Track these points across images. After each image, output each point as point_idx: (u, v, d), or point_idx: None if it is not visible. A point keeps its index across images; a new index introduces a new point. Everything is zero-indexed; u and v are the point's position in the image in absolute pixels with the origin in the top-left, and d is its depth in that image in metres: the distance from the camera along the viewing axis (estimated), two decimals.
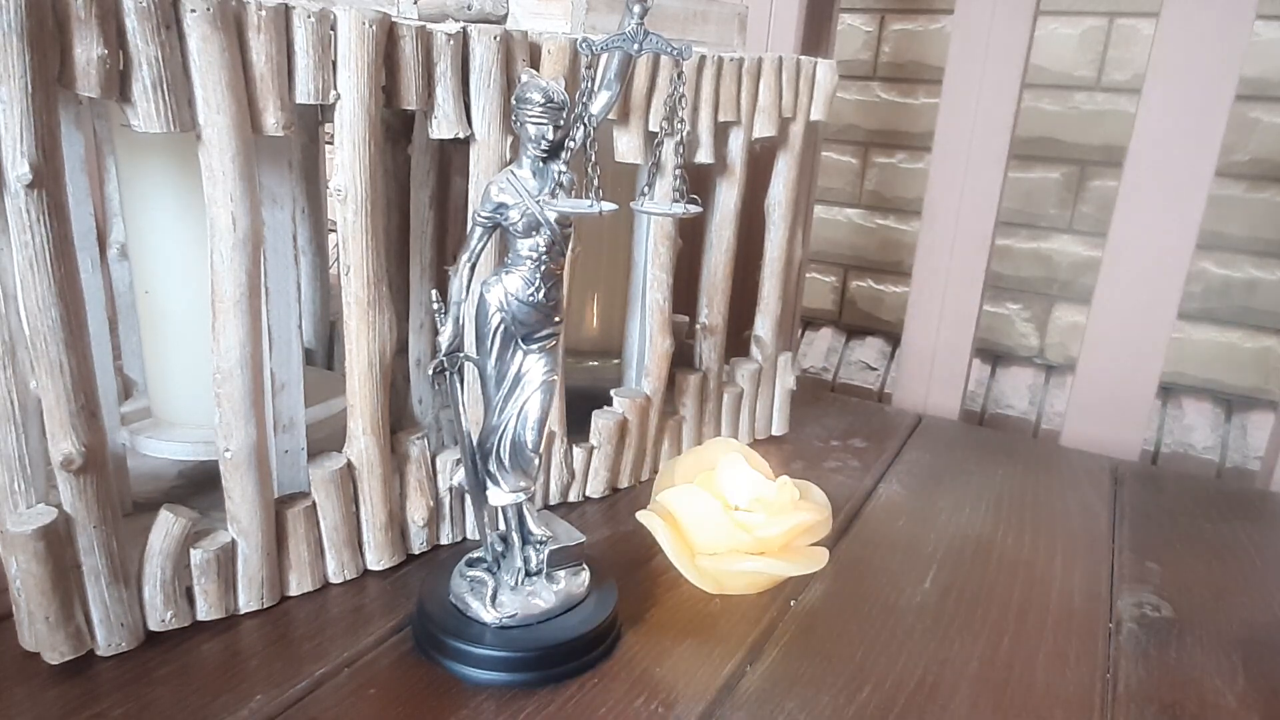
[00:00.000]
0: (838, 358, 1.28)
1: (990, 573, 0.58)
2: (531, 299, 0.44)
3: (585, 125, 0.42)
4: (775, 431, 0.79)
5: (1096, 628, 0.53)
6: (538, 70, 0.52)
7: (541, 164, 0.43)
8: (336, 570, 0.52)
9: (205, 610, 0.48)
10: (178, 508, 0.46)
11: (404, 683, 0.45)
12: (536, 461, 0.47)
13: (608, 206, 0.40)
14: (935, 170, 0.87)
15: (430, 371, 0.46)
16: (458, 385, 0.46)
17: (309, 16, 0.43)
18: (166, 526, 0.45)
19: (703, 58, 0.60)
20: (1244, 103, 1.01)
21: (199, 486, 0.55)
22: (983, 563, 0.60)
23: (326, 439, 0.53)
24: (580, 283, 0.73)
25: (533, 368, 0.45)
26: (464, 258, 0.44)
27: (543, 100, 0.42)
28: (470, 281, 0.44)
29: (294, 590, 0.51)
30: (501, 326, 0.44)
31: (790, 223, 0.72)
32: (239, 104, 0.42)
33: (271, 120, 0.43)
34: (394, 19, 0.46)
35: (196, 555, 0.46)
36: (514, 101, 0.42)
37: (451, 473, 0.56)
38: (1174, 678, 0.49)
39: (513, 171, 0.43)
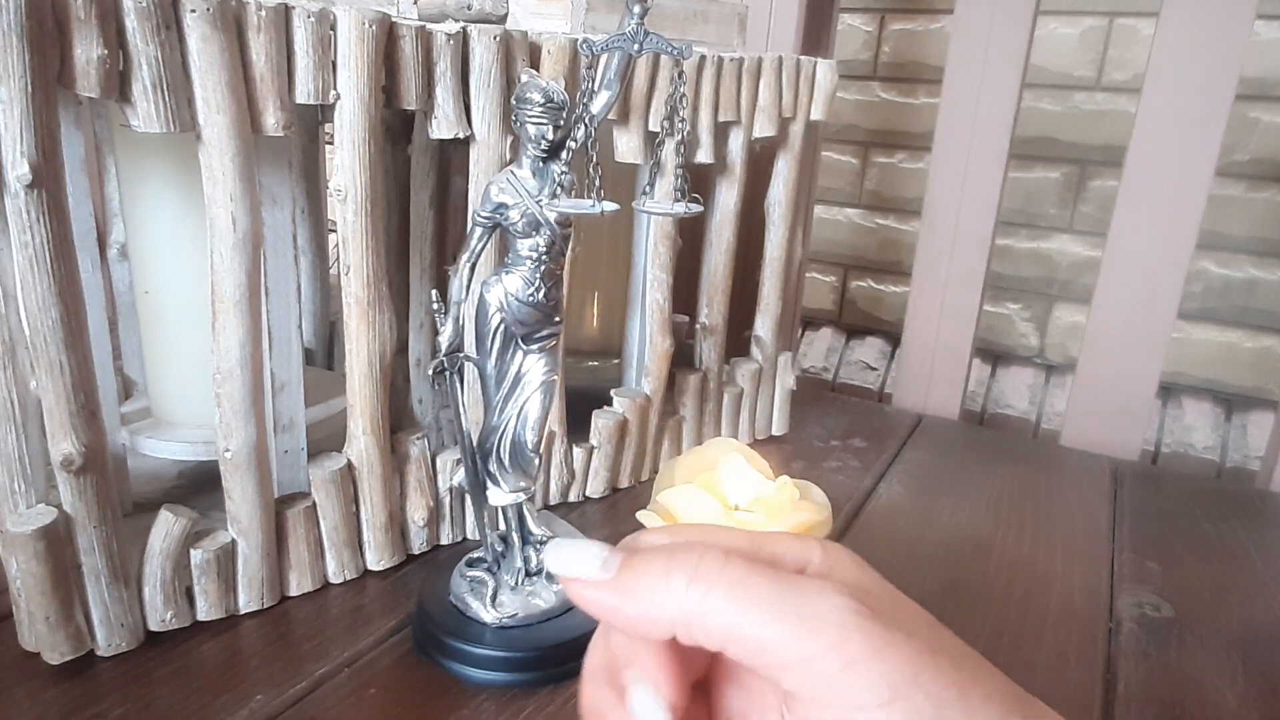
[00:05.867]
0: (838, 358, 1.28)
1: (990, 573, 0.58)
2: (531, 299, 0.44)
3: (585, 125, 0.42)
4: (775, 431, 0.78)
5: (1096, 628, 0.53)
6: (538, 70, 0.52)
7: (541, 164, 0.43)
8: (336, 570, 0.52)
9: (205, 610, 0.48)
10: (178, 508, 0.46)
11: (404, 683, 0.45)
12: (536, 461, 0.47)
13: (609, 206, 0.40)
14: (935, 170, 0.87)
15: (430, 371, 0.46)
16: (458, 385, 0.46)
17: (309, 16, 0.43)
18: (166, 526, 0.45)
19: (703, 58, 0.60)
20: (1244, 103, 1.01)
21: (199, 486, 0.55)
22: (982, 563, 0.60)
23: (326, 439, 0.53)
24: (580, 283, 0.73)
25: (533, 368, 0.45)
26: (464, 258, 0.44)
27: (543, 100, 0.42)
28: (470, 281, 0.44)
29: (294, 590, 0.51)
30: (501, 326, 0.44)
31: (790, 223, 0.72)
32: (239, 104, 0.42)
33: (271, 120, 0.43)
34: (394, 19, 0.46)
35: (196, 555, 0.46)
36: (514, 101, 0.42)
37: (451, 473, 0.56)
38: (1174, 678, 0.49)
39: (513, 171, 0.43)
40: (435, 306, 0.45)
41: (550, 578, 0.48)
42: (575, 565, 0.24)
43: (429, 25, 0.48)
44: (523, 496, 0.47)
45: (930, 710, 0.21)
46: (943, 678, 0.21)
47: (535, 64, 0.52)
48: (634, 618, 0.23)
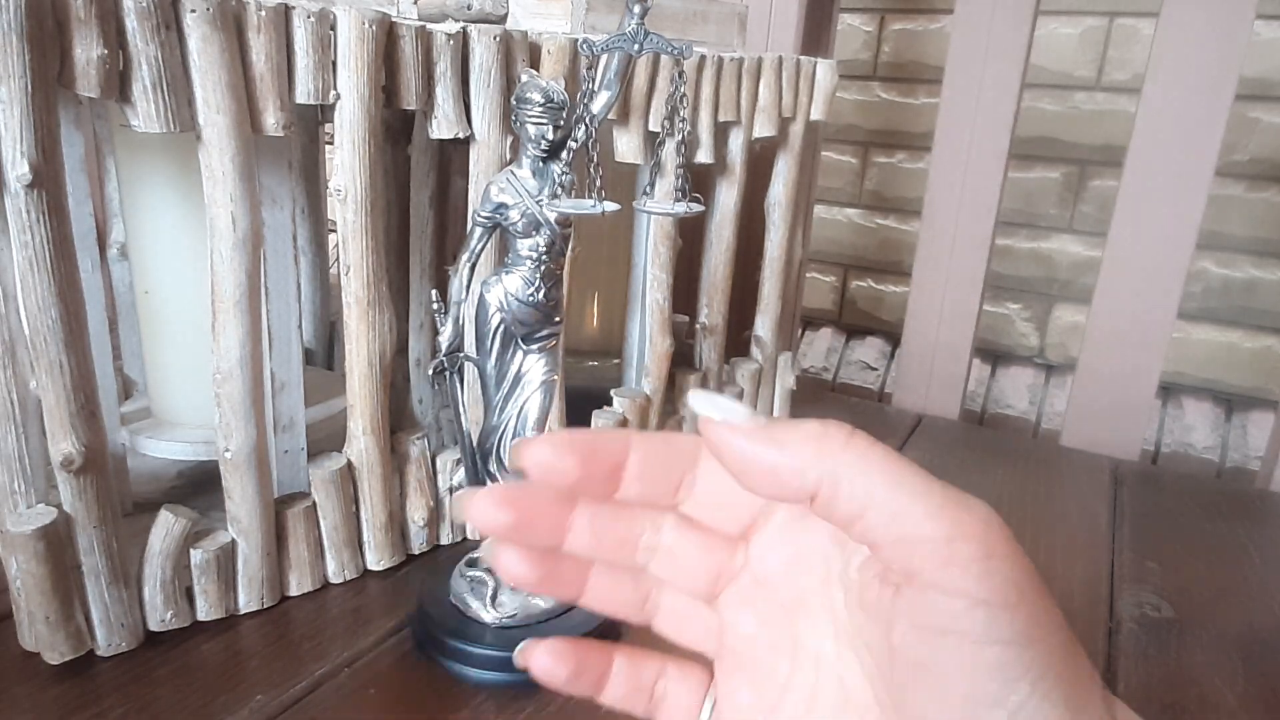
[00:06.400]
0: (838, 358, 1.28)
1: None
2: (531, 299, 0.44)
3: (586, 125, 0.42)
4: None
5: (1096, 628, 0.53)
6: (538, 70, 0.52)
7: (541, 164, 0.43)
8: (336, 570, 0.52)
9: (205, 610, 0.48)
10: (178, 508, 0.46)
11: (404, 683, 0.45)
12: None
13: (610, 206, 0.40)
14: (935, 170, 0.87)
15: (430, 371, 0.46)
16: (458, 385, 0.46)
17: (309, 16, 0.43)
18: (166, 526, 0.45)
19: (703, 58, 0.60)
20: (1244, 103, 1.01)
21: (199, 486, 0.55)
22: None
23: (326, 439, 0.53)
24: (580, 283, 0.73)
25: (533, 368, 0.45)
26: (464, 258, 0.44)
27: (543, 100, 0.42)
28: (470, 281, 0.44)
29: (294, 590, 0.51)
30: (501, 326, 0.44)
31: (790, 223, 0.72)
32: (239, 104, 0.42)
33: (271, 120, 0.43)
34: (394, 19, 0.46)
35: (196, 555, 0.46)
36: (514, 101, 0.42)
37: (451, 473, 0.56)
38: (1174, 678, 0.49)
39: (513, 171, 0.43)
40: (435, 306, 0.45)
41: None
42: (722, 410, 0.23)
43: (429, 25, 0.48)
44: None
45: (1047, 622, 0.20)
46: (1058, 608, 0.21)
47: (535, 64, 0.52)
48: (778, 467, 0.22)
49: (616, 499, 0.25)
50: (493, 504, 0.23)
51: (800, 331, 1.29)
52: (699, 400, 0.23)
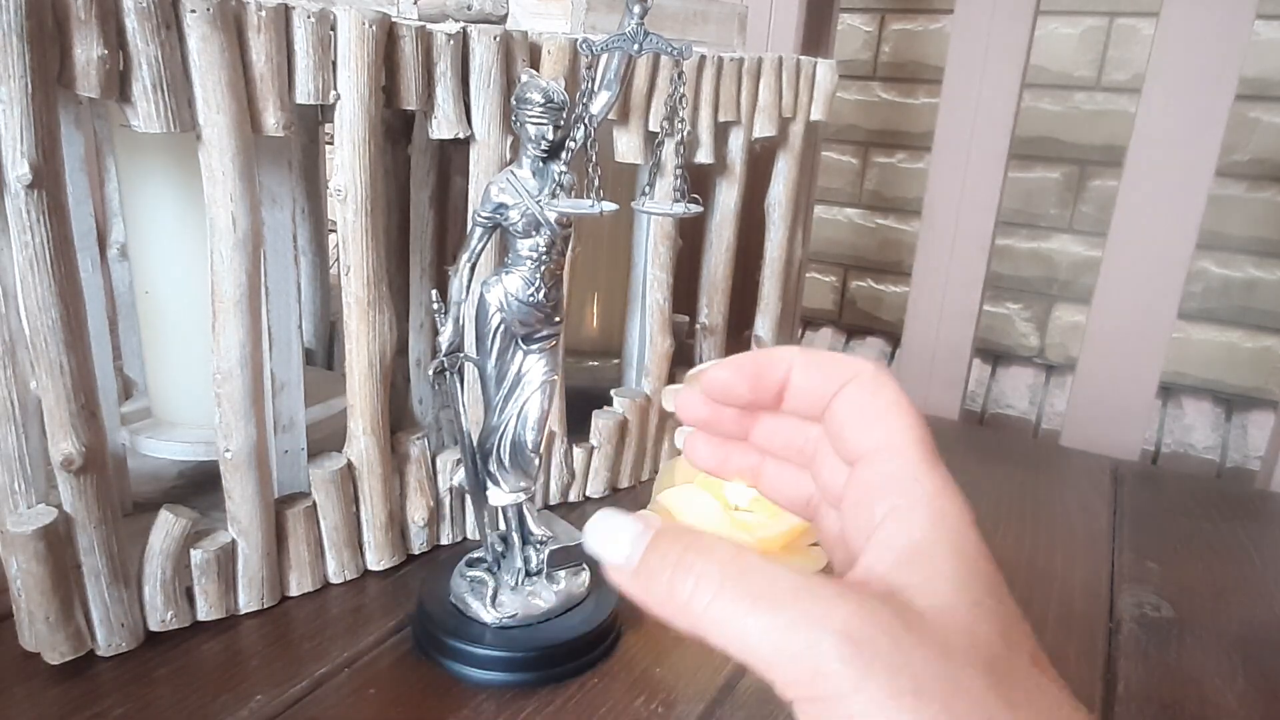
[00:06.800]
0: None
1: None
2: (531, 299, 0.44)
3: (585, 125, 0.42)
4: None
5: (1096, 627, 0.53)
6: (538, 70, 0.52)
7: (541, 164, 0.43)
8: (337, 570, 0.52)
9: (205, 610, 0.48)
10: (178, 508, 0.46)
11: (404, 683, 0.45)
12: (536, 461, 0.47)
13: (608, 206, 0.40)
14: (935, 170, 0.87)
15: (430, 371, 0.46)
16: (458, 385, 0.46)
17: (309, 16, 0.43)
18: (166, 526, 0.45)
19: (703, 58, 0.60)
20: (1244, 103, 1.01)
21: (199, 486, 0.55)
22: None
23: (326, 439, 0.53)
24: (580, 283, 0.73)
25: (533, 368, 0.45)
26: (464, 258, 0.44)
27: (543, 100, 0.42)
28: (470, 281, 0.44)
29: (294, 590, 0.51)
30: (501, 326, 0.44)
31: (790, 223, 0.72)
32: (239, 104, 0.42)
33: (271, 120, 0.43)
34: (394, 19, 0.46)
35: (196, 555, 0.46)
36: (514, 101, 0.42)
37: (451, 473, 0.56)
38: (1174, 678, 0.49)
39: (513, 171, 0.43)
40: (435, 306, 0.45)
41: (551, 578, 0.48)
42: (606, 546, 0.23)
43: (429, 25, 0.48)
44: (523, 496, 0.47)
45: None
46: None
47: (535, 64, 0.52)
48: (658, 615, 0.22)
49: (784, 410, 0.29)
50: (696, 401, 0.29)
51: (800, 331, 1.29)
52: (591, 533, 0.24)
